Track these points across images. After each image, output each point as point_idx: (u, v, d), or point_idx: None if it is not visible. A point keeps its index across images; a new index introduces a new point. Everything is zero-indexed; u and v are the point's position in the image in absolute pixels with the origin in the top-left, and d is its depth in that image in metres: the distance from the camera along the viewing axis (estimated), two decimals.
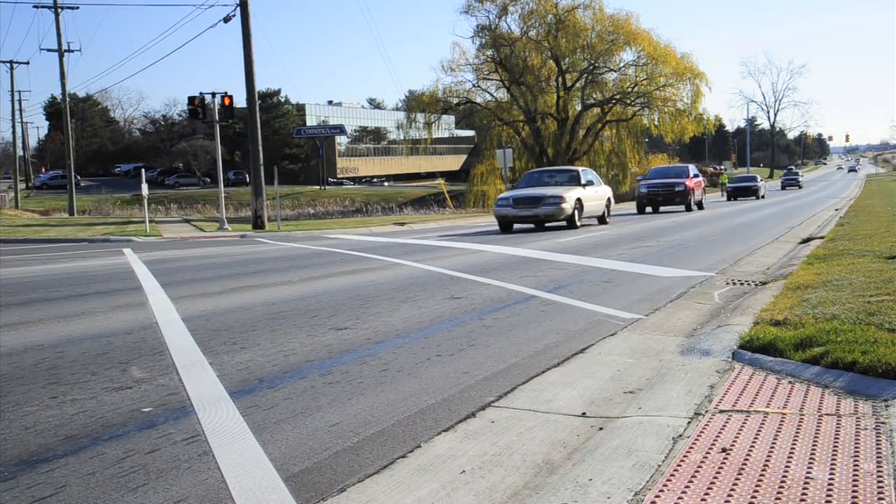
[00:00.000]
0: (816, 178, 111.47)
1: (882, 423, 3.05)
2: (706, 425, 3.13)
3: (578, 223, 18.98)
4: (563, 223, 18.90)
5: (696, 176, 30.21)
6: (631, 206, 39.17)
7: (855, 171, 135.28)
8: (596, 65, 49.12)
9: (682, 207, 28.88)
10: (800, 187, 67.53)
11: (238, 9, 25.25)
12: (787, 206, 32.58)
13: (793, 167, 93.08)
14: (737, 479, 2.54)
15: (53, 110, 78.91)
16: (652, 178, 31.22)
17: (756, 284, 7.50)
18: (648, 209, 30.10)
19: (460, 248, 13.77)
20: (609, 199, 21.75)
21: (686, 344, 4.86)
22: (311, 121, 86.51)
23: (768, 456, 2.73)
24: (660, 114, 49.29)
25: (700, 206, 30.42)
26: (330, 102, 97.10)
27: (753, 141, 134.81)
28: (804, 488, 2.43)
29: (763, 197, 43.92)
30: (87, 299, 7.72)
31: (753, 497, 2.38)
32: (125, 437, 3.24)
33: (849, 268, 7.24)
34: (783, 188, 68.43)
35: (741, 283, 7.69)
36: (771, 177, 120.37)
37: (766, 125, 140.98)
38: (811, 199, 41.44)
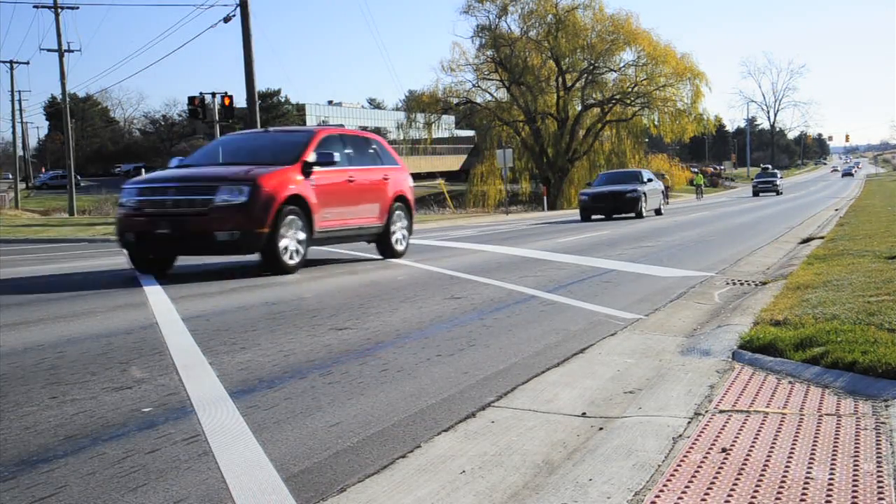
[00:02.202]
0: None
1: (882, 423, 3.05)
2: (706, 425, 3.13)
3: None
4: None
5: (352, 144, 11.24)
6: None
7: (851, 175, 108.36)
8: (596, 65, 49.20)
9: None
10: (778, 193, 52.72)
11: (238, 9, 25.25)
12: (786, 206, 32.61)
13: (769, 166, 70.35)
14: (737, 479, 2.54)
15: (53, 110, 78.91)
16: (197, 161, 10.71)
17: (756, 284, 7.50)
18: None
19: (460, 248, 13.77)
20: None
21: (686, 344, 4.86)
22: (311, 121, 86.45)
23: (768, 456, 2.73)
24: (660, 114, 49.42)
25: (385, 247, 11.23)
26: (330, 102, 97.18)
27: (753, 141, 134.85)
28: (804, 488, 2.43)
29: (659, 213, 26.33)
30: (87, 299, 7.72)
31: (753, 497, 2.38)
32: (125, 437, 3.24)
33: (849, 268, 7.24)
34: (756, 195, 52.58)
35: (741, 283, 7.69)
36: None
37: (766, 125, 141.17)
38: (810, 199, 41.45)
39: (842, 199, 35.91)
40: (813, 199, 40.18)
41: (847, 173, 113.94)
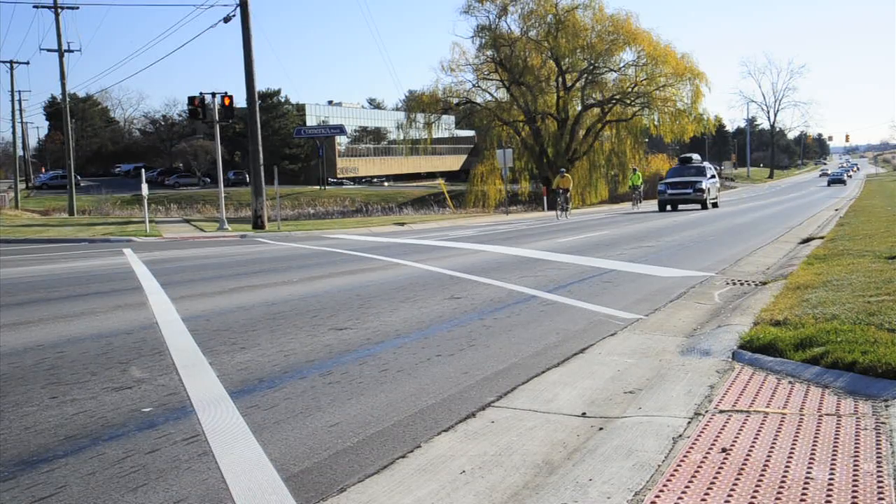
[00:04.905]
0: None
1: (882, 423, 3.05)
2: (706, 425, 3.13)
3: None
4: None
5: None
6: (627, 207, 39.10)
7: (842, 181, 77.62)
8: (596, 65, 49.18)
9: None
10: (707, 206, 30.28)
11: (238, 9, 25.24)
12: (787, 206, 32.61)
13: (693, 156, 35.60)
14: (737, 479, 2.54)
15: (53, 110, 78.88)
16: None
17: (756, 284, 7.50)
18: None
19: (460, 248, 13.77)
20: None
21: (686, 344, 4.86)
22: (311, 121, 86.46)
23: (768, 456, 2.73)
24: (660, 114, 49.37)
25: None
26: (330, 102, 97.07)
27: (753, 141, 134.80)
28: (804, 488, 2.43)
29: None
30: (87, 299, 7.72)
31: (753, 497, 2.38)
32: (125, 437, 3.24)
33: (849, 268, 7.24)
34: (666, 207, 30.81)
35: (741, 283, 7.69)
36: (771, 177, 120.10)
37: (766, 125, 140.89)
38: (810, 199, 41.46)
39: (842, 200, 35.92)
40: (812, 200, 40.18)
41: (836, 180, 79.16)
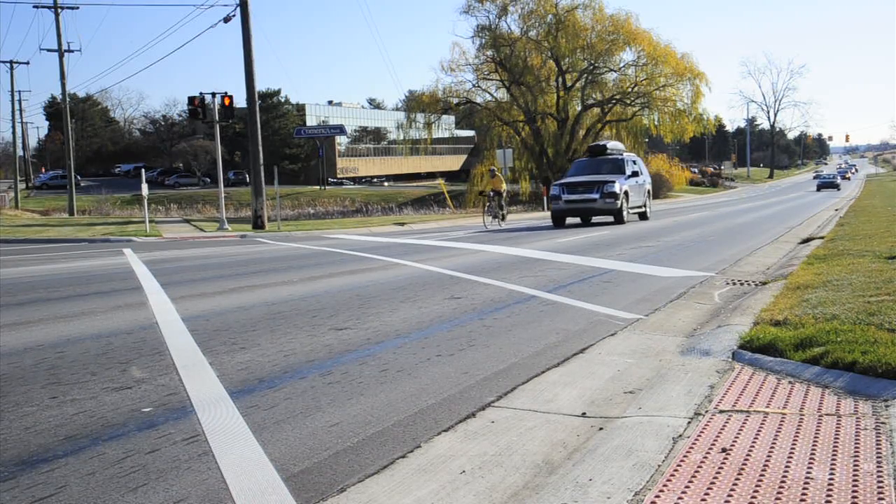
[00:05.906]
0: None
1: (882, 423, 3.05)
2: (706, 425, 3.13)
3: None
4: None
5: None
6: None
7: (835, 186, 65.77)
8: (596, 65, 49.22)
9: None
10: (623, 219, 19.68)
11: (238, 9, 25.24)
12: (787, 205, 32.63)
13: (608, 144, 23.85)
14: (737, 479, 2.54)
15: (53, 110, 78.90)
16: None
17: (756, 284, 7.50)
18: None
19: (460, 248, 13.77)
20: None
21: (686, 344, 4.86)
22: (311, 121, 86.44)
23: (768, 456, 2.73)
24: (660, 114, 49.40)
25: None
26: (330, 102, 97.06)
27: (753, 141, 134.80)
28: (804, 488, 2.43)
29: None
30: (87, 299, 7.72)
31: (753, 497, 2.38)
32: (125, 437, 3.24)
33: (849, 268, 7.24)
34: (562, 223, 20.39)
35: (741, 283, 7.69)
36: (771, 177, 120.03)
37: (766, 125, 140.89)
38: (811, 199, 41.46)
39: (842, 199, 35.91)
40: (812, 200, 40.19)
41: (827, 184, 66.69)
